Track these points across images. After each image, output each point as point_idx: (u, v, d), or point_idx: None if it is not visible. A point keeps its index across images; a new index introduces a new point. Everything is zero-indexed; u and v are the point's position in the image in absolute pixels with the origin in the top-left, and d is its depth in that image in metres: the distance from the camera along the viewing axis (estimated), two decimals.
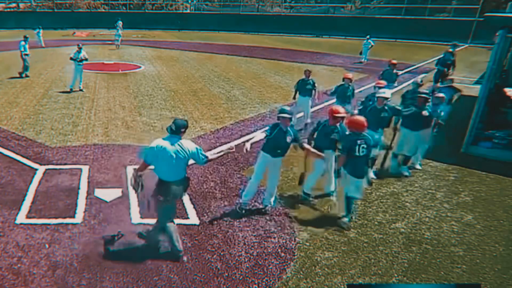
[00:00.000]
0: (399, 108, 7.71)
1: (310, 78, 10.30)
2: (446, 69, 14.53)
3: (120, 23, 36.55)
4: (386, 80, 9.55)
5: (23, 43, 16.22)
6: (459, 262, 5.07)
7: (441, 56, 15.15)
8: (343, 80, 9.69)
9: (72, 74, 14.13)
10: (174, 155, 4.72)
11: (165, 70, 18.97)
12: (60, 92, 13.92)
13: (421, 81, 9.46)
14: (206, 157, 4.95)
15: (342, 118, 6.19)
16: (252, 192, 6.18)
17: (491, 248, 5.39)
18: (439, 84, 12.72)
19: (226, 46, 29.69)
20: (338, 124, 6.18)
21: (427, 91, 7.86)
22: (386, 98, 7.24)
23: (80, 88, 14.00)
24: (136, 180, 4.91)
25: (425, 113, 7.18)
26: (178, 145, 4.77)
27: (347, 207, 5.82)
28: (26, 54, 16.31)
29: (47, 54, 23.88)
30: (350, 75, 10.04)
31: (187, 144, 4.85)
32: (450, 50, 15.08)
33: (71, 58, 13.97)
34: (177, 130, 4.80)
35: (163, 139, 4.82)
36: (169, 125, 4.82)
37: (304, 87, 10.24)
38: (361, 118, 5.80)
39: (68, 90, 13.89)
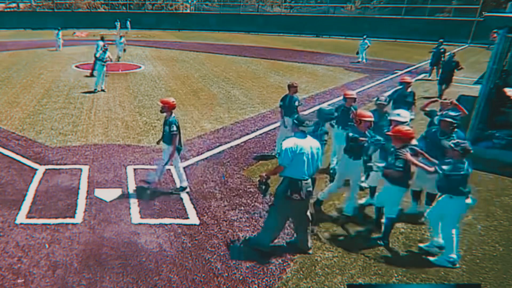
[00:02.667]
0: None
1: (294, 94, 8.06)
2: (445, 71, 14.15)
3: (128, 24, 36.52)
4: (399, 104, 7.51)
5: (100, 43, 16.73)
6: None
7: (447, 58, 14.58)
8: (345, 100, 7.44)
9: (96, 75, 14.28)
10: (310, 152, 4.83)
11: (165, 70, 18.97)
12: (60, 92, 13.93)
13: (386, 100, 7.18)
14: None
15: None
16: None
17: (491, 248, 5.39)
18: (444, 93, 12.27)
19: (226, 46, 29.69)
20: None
21: (454, 114, 5.97)
22: (403, 123, 5.82)
23: (102, 89, 14.09)
24: (263, 184, 5.02)
25: (446, 143, 5.31)
26: (311, 141, 4.92)
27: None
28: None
29: (47, 54, 23.89)
30: (353, 94, 7.53)
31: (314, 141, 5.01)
32: (454, 51, 14.77)
33: (96, 58, 14.11)
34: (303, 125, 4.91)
35: (296, 137, 4.88)
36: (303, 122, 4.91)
37: (290, 106, 7.93)
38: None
39: (92, 90, 14.00)
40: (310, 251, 5.19)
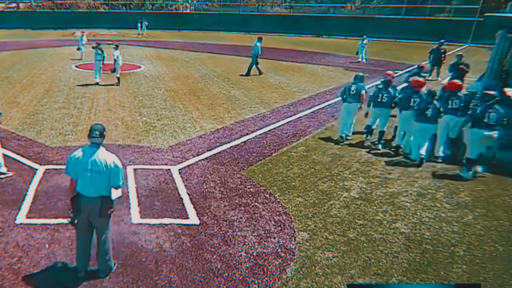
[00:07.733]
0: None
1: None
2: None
3: (145, 23, 36.75)
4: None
5: (258, 44, 17.55)
6: (459, 262, 5.07)
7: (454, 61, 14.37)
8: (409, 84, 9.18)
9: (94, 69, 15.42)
10: (96, 168, 4.32)
11: (165, 70, 18.97)
12: (60, 92, 13.93)
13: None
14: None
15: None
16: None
17: (491, 248, 5.39)
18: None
19: (226, 46, 29.69)
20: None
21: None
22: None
23: (97, 82, 15.23)
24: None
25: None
26: (101, 155, 4.39)
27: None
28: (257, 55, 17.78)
29: (47, 54, 23.89)
30: (421, 80, 9.07)
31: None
32: (461, 53, 14.72)
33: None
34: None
35: (83, 149, 4.46)
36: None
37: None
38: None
39: (95, 82, 15.20)
40: (103, 275, 4.64)
